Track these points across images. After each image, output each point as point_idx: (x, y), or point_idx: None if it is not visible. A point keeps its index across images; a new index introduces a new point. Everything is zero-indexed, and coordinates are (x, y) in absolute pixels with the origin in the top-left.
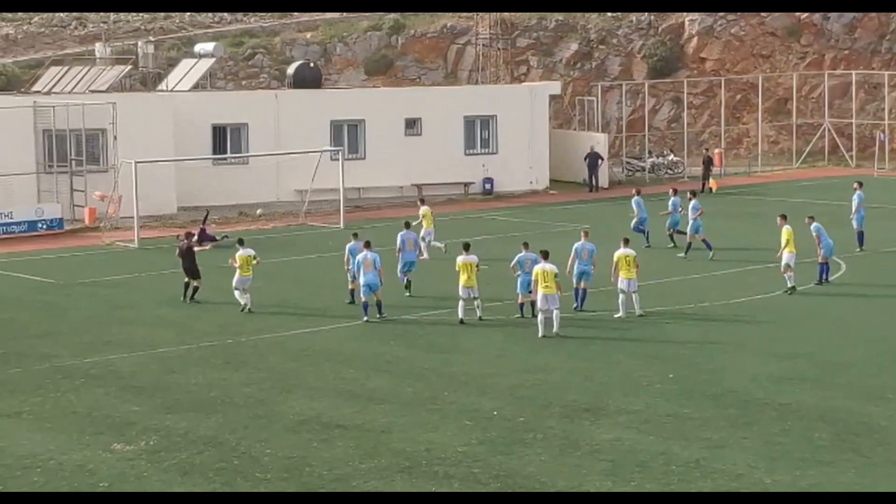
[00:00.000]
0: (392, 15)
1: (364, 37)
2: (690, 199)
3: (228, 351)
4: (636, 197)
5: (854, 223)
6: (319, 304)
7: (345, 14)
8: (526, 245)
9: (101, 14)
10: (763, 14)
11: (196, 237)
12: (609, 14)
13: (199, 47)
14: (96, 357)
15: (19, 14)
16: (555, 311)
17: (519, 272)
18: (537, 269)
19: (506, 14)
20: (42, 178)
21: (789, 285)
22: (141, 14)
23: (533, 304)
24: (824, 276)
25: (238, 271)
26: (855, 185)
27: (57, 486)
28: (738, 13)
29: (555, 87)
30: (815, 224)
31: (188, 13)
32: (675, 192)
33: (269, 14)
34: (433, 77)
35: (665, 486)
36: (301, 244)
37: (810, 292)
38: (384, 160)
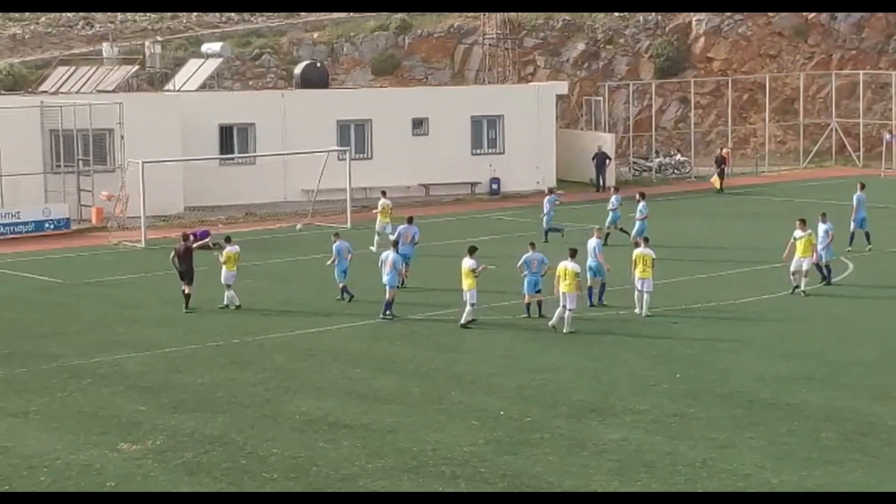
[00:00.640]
0: (399, 15)
1: (371, 37)
2: (639, 202)
3: (235, 351)
4: (616, 195)
5: (852, 224)
6: (326, 304)
7: (352, 14)
8: (532, 245)
9: (109, 14)
10: (770, 14)
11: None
12: (616, 14)
13: (206, 47)
14: (103, 357)
15: (27, 14)
16: (567, 312)
17: (526, 272)
18: (560, 266)
19: (512, 14)
20: (49, 178)
21: (797, 286)
22: (148, 14)
23: (539, 303)
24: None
25: (224, 267)
26: (858, 185)
27: (64, 486)
28: (746, 13)
29: (562, 86)
30: (828, 224)
31: (195, 13)
32: (643, 195)
33: (276, 14)
34: (440, 77)
35: (671, 486)
36: (307, 244)
37: (817, 293)
38: (391, 160)
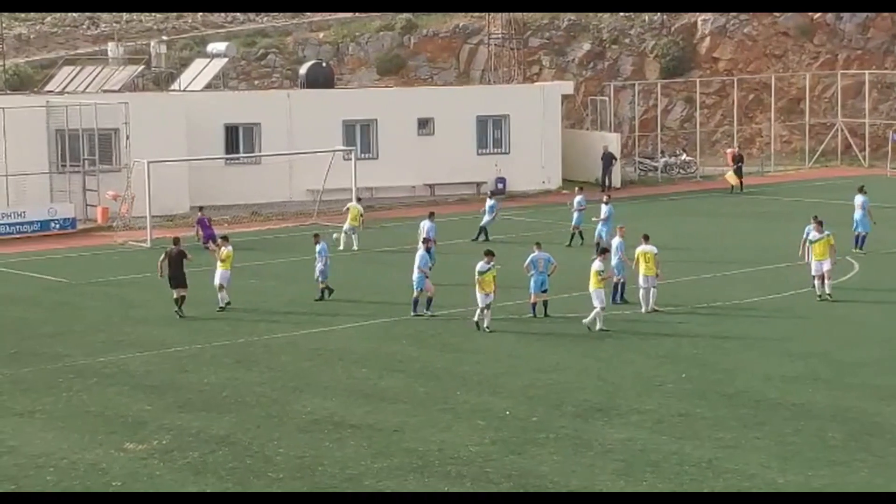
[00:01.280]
0: (404, 15)
1: (376, 36)
2: (606, 203)
3: (241, 350)
4: (581, 196)
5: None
6: (331, 304)
7: (357, 14)
8: (538, 245)
9: (114, 14)
10: (776, 14)
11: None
12: (621, 14)
13: (212, 47)
14: (109, 356)
15: (32, 14)
16: (652, 290)
17: (532, 272)
18: (639, 250)
19: (518, 14)
20: (55, 178)
21: (818, 293)
22: (153, 14)
23: (545, 303)
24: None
25: (220, 265)
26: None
27: (70, 486)
28: (751, 13)
29: (567, 86)
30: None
31: (201, 13)
32: (609, 198)
33: (282, 14)
34: (445, 77)
35: (677, 486)
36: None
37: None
38: (396, 160)
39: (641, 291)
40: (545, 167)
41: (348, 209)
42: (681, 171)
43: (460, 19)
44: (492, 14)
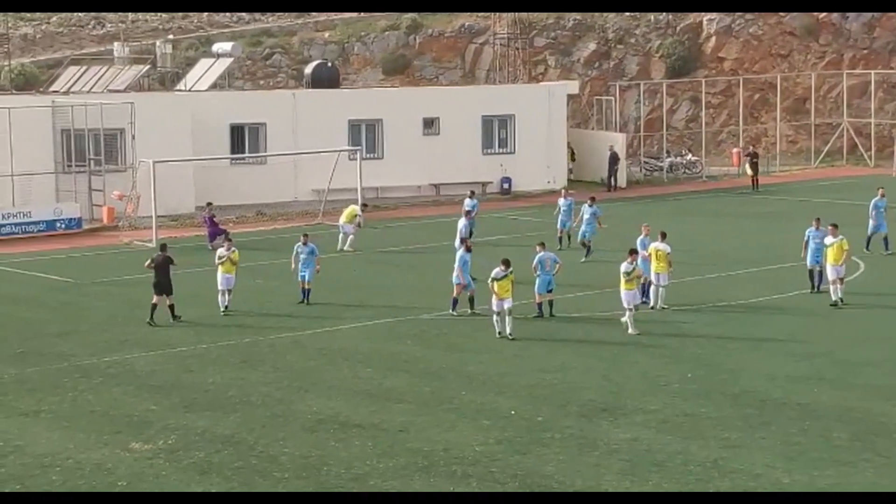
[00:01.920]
0: (409, 14)
1: (382, 36)
2: (590, 205)
3: (246, 350)
4: (568, 198)
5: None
6: (337, 304)
7: (362, 14)
8: (542, 245)
9: (120, 14)
10: (781, 13)
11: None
12: (627, 13)
13: (217, 47)
14: (114, 356)
15: (38, 14)
16: (661, 289)
17: (539, 272)
18: (652, 246)
19: (523, 14)
20: (60, 178)
21: (837, 297)
22: (159, 14)
23: (551, 303)
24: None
25: (223, 270)
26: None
27: (75, 485)
28: (757, 13)
29: (572, 86)
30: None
31: (206, 13)
32: (594, 199)
33: (287, 14)
34: (451, 76)
35: (683, 486)
36: (318, 244)
37: (827, 292)
38: (402, 160)
39: (653, 287)
40: (550, 167)
41: (350, 211)
42: (686, 170)
43: (465, 19)
44: (497, 14)
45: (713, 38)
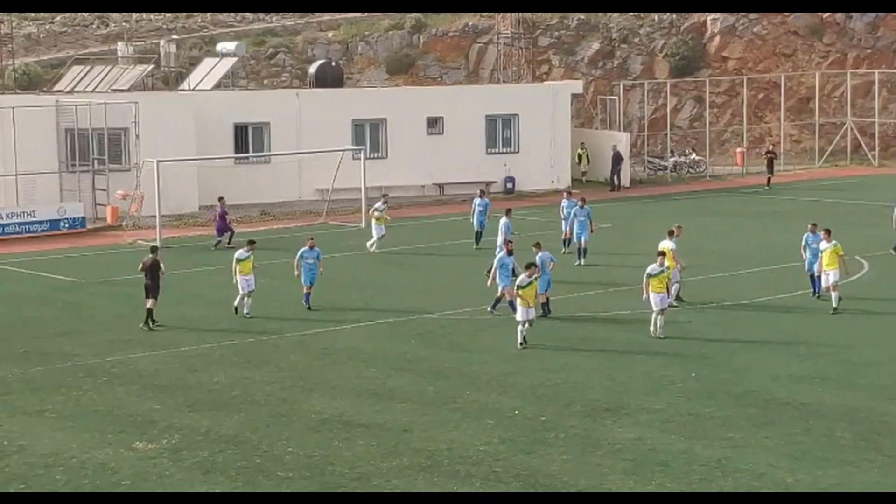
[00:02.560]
0: (414, 14)
1: (386, 36)
2: (582, 207)
3: (250, 350)
4: (568, 200)
5: None
6: (341, 303)
7: (366, 13)
8: (538, 245)
9: (124, 13)
10: (785, 13)
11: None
12: (631, 13)
13: (221, 46)
14: (118, 356)
15: (42, 14)
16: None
17: (541, 272)
18: (660, 245)
19: (527, 13)
20: (64, 178)
21: (834, 305)
22: (163, 13)
23: (548, 301)
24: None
25: (241, 273)
26: None
27: (79, 485)
28: (761, 12)
29: (577, 86)
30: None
31: (210, 12)
32: (584, 201)
33: (291, 13)
34: (455, 76)
35: (687, 486)
36: (322, 243)
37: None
38: (406, 159)
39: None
40: (554, 166)
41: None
42: (690, 170)
43: (469, 18)
44: (501, 13)
45: (717, 38)
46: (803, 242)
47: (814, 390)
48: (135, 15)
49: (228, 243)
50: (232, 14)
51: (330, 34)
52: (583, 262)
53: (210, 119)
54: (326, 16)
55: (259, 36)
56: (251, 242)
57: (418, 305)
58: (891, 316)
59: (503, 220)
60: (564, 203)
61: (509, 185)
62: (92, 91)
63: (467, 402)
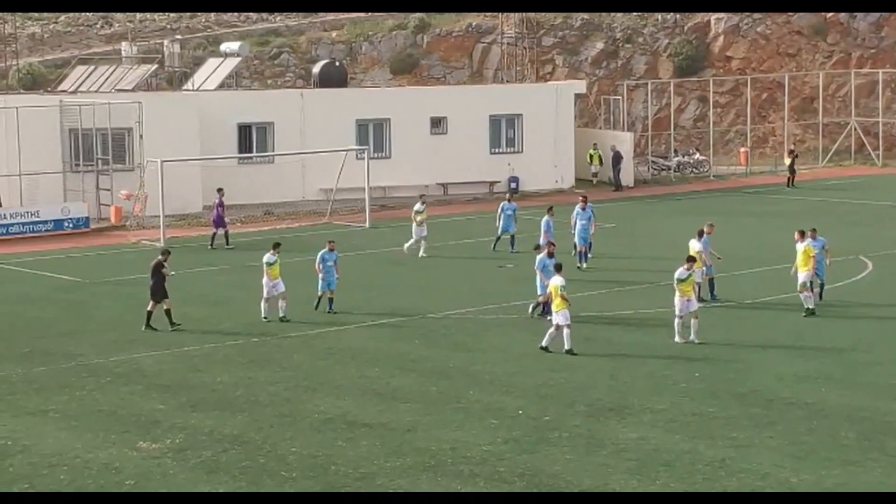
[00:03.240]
0: (417, 14)
1: (389, 36)
2: (583, 209)
3: (254, 349)
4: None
5: None
6: (344, 303)
7: (370, 13)
8: (538, 248)
9: (128, 13)
10: (789, 13)
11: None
12: (634, 13)
13: (225, 46)
14: (122, 355)
15: (46, 13)
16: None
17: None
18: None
19: (531, 13)
20: (68, 177)
21: (806, 307)
22: (167, 13)
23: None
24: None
25: (271, 276)
26: None
27: (83, 485)
28: (764, 12)
29: (580, 85)
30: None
31: (214, 12)
32: (585, 201)
33: (295, 13)
34: (458, 76)
35: (690, 486)
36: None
37: (834, 291)
38: (410, 159)
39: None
40: (558, 166)
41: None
42: (694, 170)
43: (473, 18)
44: (505, 13)
45: (721, 38)
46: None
47: (817, 390)
48: (139, 15)
49: (227, 244)
50: (236, 14)
51: (333, 34)
52: (584, 266)
53: (214, 119)
54: (330, 16)
55: (263, 36)
56: (277, 245)
57: (421, 305)
58: (894, 315)
59: (545, 218)
60: (577, 213)
61: (513, 185)
62: (96, 91)
63: (471, 401)
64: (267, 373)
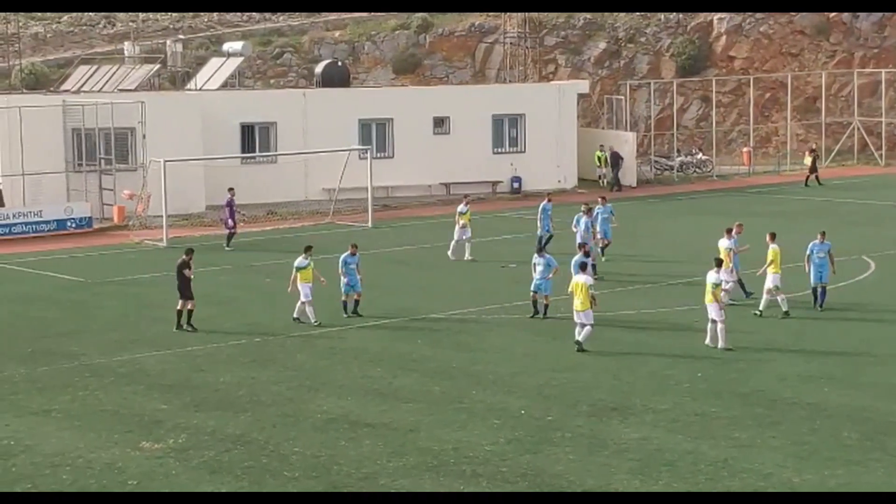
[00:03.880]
0: (420, 14)
1: (392, 35)
2: (584, 212)
3: (256, 349)
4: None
5: None
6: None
7: (373, 13)
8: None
9: (130, 13)
10: (792, 13)
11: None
12: (637, 13)
13: (228, 46)
14: (125, 355)
15: (49, 13)
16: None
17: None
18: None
19: (534, 13)
20: (71, 177)
21: (783, 309)
22: (170, 13)
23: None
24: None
25: (302, 278)
26: None
27: (85, 485)
28: (767, 12)
29: (583, 85)
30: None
31: (216, 12)
32: (590, 211)
33: (298, 13)
34: (461, 76)
35: (693, 486)
36: (329, 243)
37: (836, 291)
38: (412, 159)
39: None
40: (560, 166)
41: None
42: (697, 170)
43: (476, 18)
44: (507, 13)
45: (723, 38)
46: (808, 252)
47: (820, 390)
48: (141, 15)
49: (227, 246)
50: (238, 14)
51: (336, 34)
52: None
53: (216, 119)
54: (333, 15)
55: (265, 36)
56: (308, 248)
57: (424, 305)
58: None
59: (583, 218)
60: (599, 209)
61: (516, 185)
62: (98, 91)
63: (473, 401)
64: (270, 373)
